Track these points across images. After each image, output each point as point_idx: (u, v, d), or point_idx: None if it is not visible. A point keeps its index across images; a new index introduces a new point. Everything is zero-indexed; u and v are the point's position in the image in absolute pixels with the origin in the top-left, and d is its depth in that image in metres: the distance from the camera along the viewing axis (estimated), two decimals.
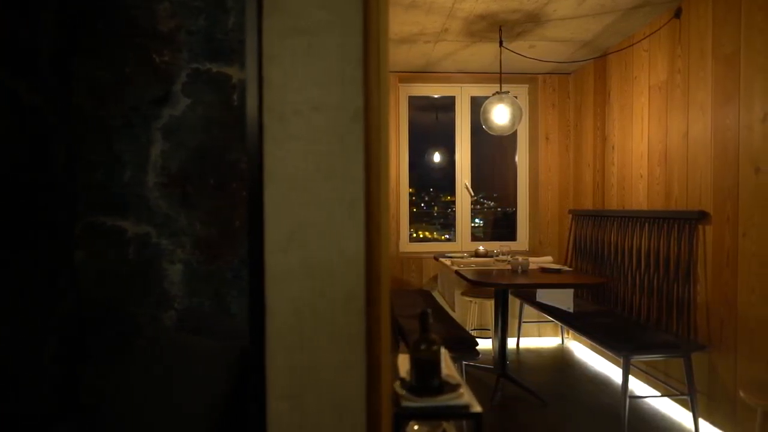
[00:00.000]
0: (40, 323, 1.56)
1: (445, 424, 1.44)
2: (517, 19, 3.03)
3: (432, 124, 4.94)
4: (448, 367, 1.46)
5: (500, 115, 3.15)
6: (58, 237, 1.65)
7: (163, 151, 1.73)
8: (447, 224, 5.30)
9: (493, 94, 3.19)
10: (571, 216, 4.11)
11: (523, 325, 4.18)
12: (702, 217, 2.59)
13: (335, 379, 1.09)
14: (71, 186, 1.72)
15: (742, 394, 1.86)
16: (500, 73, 3.37)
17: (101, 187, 1.73)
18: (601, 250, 3.54)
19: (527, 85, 4.35)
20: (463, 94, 4.34)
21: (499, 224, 4.87)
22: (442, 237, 5.36)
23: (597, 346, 3.21)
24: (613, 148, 3.56)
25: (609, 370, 3.53)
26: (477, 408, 1.19)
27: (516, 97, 4.32)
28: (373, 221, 1.10)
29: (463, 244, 4.41)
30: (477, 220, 5.32)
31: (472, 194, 4.39)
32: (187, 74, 1.72)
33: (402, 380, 1.26)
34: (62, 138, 1.69)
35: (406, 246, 4.34)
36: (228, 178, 1.75)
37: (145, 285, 1.73)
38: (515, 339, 4.17)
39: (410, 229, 5.28)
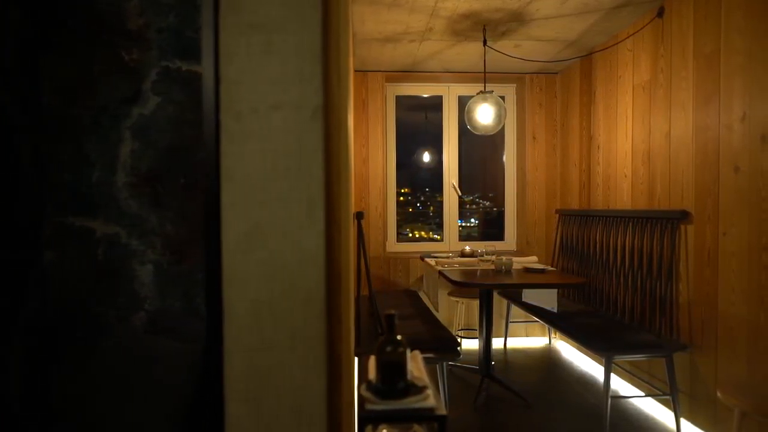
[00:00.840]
0: (6, 326, 1.53)
1: (416, 427, 1.42)
2: (500, 18, 3.02)
3: (424, 124, 4.93)
4: (418, 369, 1.45)
5: (484, 114, 3.14)
6: (25, 238, 1.63)
7: (132, 151, 1.70)
8: (443, 224, 5.28)
9: (477, 94, 3.18)
10: (557, 216, 4.11)
11: (510, 325, 4.17)
12: (684, 216, 2.58)
13: (295, 381, 1.07)
14: (39, 186, 1.69)
15: (719, 394, 1.86)
16: (484, 72, 3.36)
17: (70, 187, 1.70)
18: (587, 250, 3.54)
19: (514, 85, 4.34)
20: (450, 94, 4.33)
21: (493, 224, 4.86)
22: (438, 237, 5.35)
23: (580, 346, 3.21)
24: (598, 147, 3.56)
25: (595, 370, 3.53)
26: (442, 411, 1.17)
27: (503, 96, 4.33)
28: (333, 221, 1.09)
29: (450, 244, 4.40)
30: (473, 220, 5.32)
31: (460, 194, 4.38)
32: (157, 72, 1.69)
33: (368, 383, 1.24)
34: (30, 137, 1.66)
35: (394, 246, 4.33)
36: (199, 177, 1.72)
37: (115, 286, 1.70)
38: (502, 339, 4.16)
39: (406, 228, 5.26)
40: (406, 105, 4.84)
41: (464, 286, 2.66)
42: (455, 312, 4.01)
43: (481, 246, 3.53)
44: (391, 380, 1.21)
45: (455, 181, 4.37)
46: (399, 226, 5.13)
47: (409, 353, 1.25)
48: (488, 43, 3.43)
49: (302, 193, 1.05)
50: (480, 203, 5.33)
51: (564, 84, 4.15)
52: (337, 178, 1.09)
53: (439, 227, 5.21)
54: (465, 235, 4.95)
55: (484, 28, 3.16)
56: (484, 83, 3.29)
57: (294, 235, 1.05)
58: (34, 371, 1.65)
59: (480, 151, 5.36)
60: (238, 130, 1.06)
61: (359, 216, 2.50)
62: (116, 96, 1.75)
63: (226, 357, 1.07)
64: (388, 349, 1.22)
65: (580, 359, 3.74)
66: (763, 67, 2.08)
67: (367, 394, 1.21)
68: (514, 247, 4.39)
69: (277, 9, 1.05)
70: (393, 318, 1.24)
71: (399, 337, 1.26)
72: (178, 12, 1.74)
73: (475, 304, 3.94)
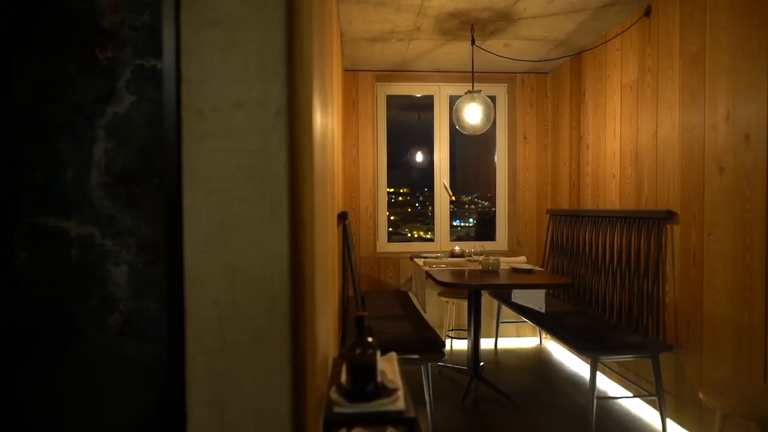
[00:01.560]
0: None
1: (390, 429, 1.41)
2: (488, 17, 3.00)
3: (418, 124, 4.91)
4: (393, 371, 1.43)
5: (472, 114, 3.12)
6: None
7: (106, 150, 1.68)
8: (434, 224, 5.27)
9: (466, 93, 3.16)
10: (548, 216, 4.10)
11: (501, 325, 4.16)
12: (670, 216, 2.57)
13: (258, 384, 1.05)
14: (12, 186, 1.67)
15: (701, 395, 1.84)
16: (472, 72, 3.34)
17: (44, 187, 1.68)
18: (576, 251, 3.52)
19: (506, 85, 4.32)
20: (441, 94, 4.31)
21: (489, 224, 4.84)
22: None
23: (566, 346, 3.19)
24: (587, 147, 3.55)
25: (585, 370, 3.51)
26: (411, 413, 1.16)
27: (494, 96, 4.31)
28: (299, 222, 1.07)
29: (442, 244, 4.38)
30: (471, 220, 5.31)
31: (451, 194, 4.36)
32: (132, 71, 1.67)
33: (338, 385, 1.22)
34: (2, 137, 1.64)
35: (385, 246, 4.31)
36: (175, 176, 1.70)
37: (89, 287, 1.69)
38: (493, 339, 4.15)
39: (405, 228, 5.24)
40: (400, 105, 4.82)
41: (449, 286, 2.64)
42: (445, 312, 3.99)
43: (470, 246, 3.51)
44: (361, 383, 1.19)
45: (446, 181, 4.35)
46: (398, 226, 5.12)
47: (379, 355, 1.24)
48: (477, 43, 3.42)
49: (266, 193, 1.03)
50: (479, 203, 5.32)
51: (555, 84, 4.14)
52: (302, 178, 1.07)
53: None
54: (464, 235, 4.95)
55: (472, 27, 3.14)
56: (472, 83, 3.27)
57: (257, 235, 1.04)
58: (4, 372, 1.63)
59: (476, 150, 5.34)
60: (201, 128, 1.04)
61: (343, 216, 2.48)
62: (90, 95, 1.74)
63: (188, 360, 1.06)
64: (358, 351, 1.20)
65: (571, 360, 3.73)
66: (747, 66, 2.07)
67: (335, 396, 1.19)
68: (505, 247, 4.38)
69: (239, 6, 1.03)
70: (363, 320, 1.23)
71: (370, 339, 1.24)
72: (153, 9, 1.72)
73: (466, 304, 3.93)
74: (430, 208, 5.65)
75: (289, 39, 1.05)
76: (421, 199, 5.56)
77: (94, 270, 1.72)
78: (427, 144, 4.56)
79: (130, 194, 1.72)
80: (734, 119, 2.15)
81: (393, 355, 1.55)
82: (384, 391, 1.23)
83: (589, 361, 2.50)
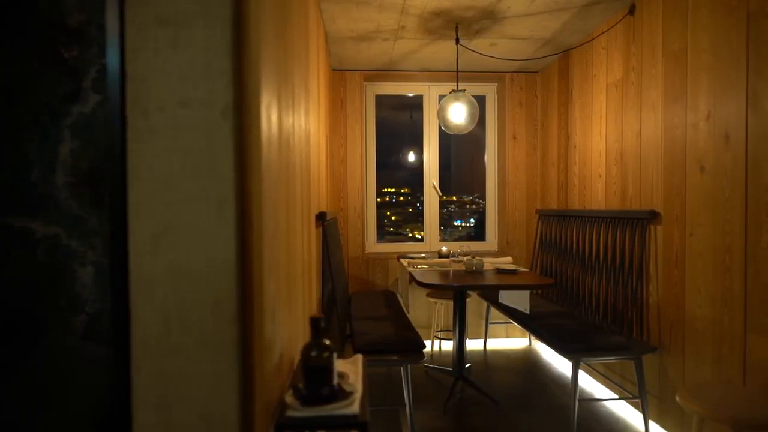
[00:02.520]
0: None
1: None
2: (472, 16, 2.98)
3: (413, 123, 4.88)
4: (355, 373, 1.41)
5: (457, 113, 3.10)
6: None
7: (72, 150, 1.66)
8: (443, 224, 5.24)
9: (450, 92, 3.14)
10: (537, 216, 4.07)
11: (490, 326, 4.13)
12: (653, 216, 2.55)
13: (205, 388, 1.03)
14: None
15: (678, 398, 1.82)
16: (457, 71, 3.32)
17: (9, 188, 1.66)
18: (564, 251, 3.50)
19: (495, 84, 4.30)
20: (430, 94, 4.29)
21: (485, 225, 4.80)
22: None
23: (549, 347, 3.16)
24: (575, 147, 3.52)
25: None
26: (365, 417, 1.14)
27: (484, 95, 4.29)
28: (248, 222, 1.05)
29: (431, 245, 4.36)
30: (472, 221, 5.28)
31: (440, 194, 4.34)
32: (97, 70, 1.66)
33: (295, 388, 1.20)
34: None
35: (374, 247, 4.29)
36: None
37: (55, 288, 1.67)
38: (482, 340, 4.12)
39: (406, 229, 5.20)
40: (393, 104, 4.80)
41: (428, 287, 2.62)
42: (434, 313, 3.97)
43: (458, 246, 3.49)
44: (315, 386, 1.17)
45: (435, 181, 4.33)
46: (398, 225, 5.09)
47: (336, 357, 1.22)
48: (463, 42, 3.40)
49: (212, 193, 1.02)
50: (480, 203, 5.29)
51: (544, 83, 4.11)
52: (251, 178, 1.06)
53: (447, 227, 5.15)
54: (464, 235, 4.91)
55: (457, 26, 3.12)
56: (457, 82, 3.25)
57: (204, 236, 1.02)
58: None
59: (474, 150, 5.32)
60: (146, 128, 1.02)
61: (322, 217, 2.46)
62: (56, 94, 1.72)
63: (133, 362, 1.04)
64: (313, 354, 1.18)
65: (559, 361, 3.70)
66: (727, 65, 2.05)
67: (290, 400, 1.18)
68: (495, 248, 4.35)
69: (185, 3, 1.01)
70: (318, 322, 1.21)
71: (327, 342, 1.22)
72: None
73: (452, 305, 3.91)
74: (444, 208, 5.61)
75: (237, 37, 1.03)
76: (422, 199, 5.52)
77: (60, 271, 1.70)
78: (422, 144, 4.53)
79: (95, 194, 1.70)
80: (715, 119, 2.13)
81: (359, 357, 1.53)
82: (341, 394, 1.21)
83: (571, 362, 2.48)
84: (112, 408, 1.23)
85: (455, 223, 5.11)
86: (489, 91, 4.33)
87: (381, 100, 4.44)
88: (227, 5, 1.02)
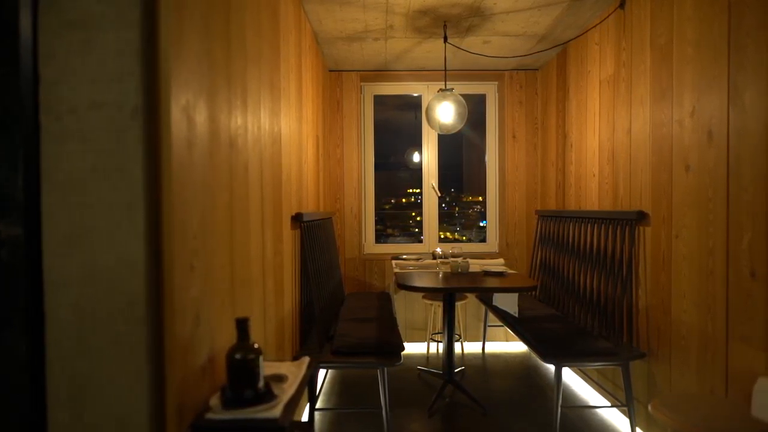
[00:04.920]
0: None
1: None
2: (459, 13, 2.93)
3: (417, 124, 4.84)
4: (296, 376, 1.40)
5: (445, 113, 3.05)
6: None
7: None
8: (468, 224, 5.19)
9: (438, 91, 3.09)
10: (537, 217, 3.98)
11: (490, 329, 4.06)
12: (641, 217, 2.45)
13: (117, 389, 1.03)
14: None
15: (650, 409, 1.73)
16: (445, 70, 3.27)
17: None
18: (560, 254, 3.40)
19: (495, 83, 4.22)
20: (429, 93, 4.24)
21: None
22: (463, 237, 5.25)
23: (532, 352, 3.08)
24: (571, 146, 3.42)
25: (570, 377, 3.40)
26: (286, 422, 1.12)
27: (485, 94, 4.22)
28: (162, 224, 1.05)
29: (430, 246, 4.31)
30: (483, 222, 5.20)
31: (438, 194, 4.29)
32: (8, 73, 1.69)
33: (223, 390, 1.20)
34: None
35: (372, 248, 4.27)
36: None
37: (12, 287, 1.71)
38: (480, 343, 4.05)
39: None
40: (397, 104, 4.78)
41: (408, 289, 2.58)
42: (429, 315, 3.93)
43: (449, 248, 3.44)
44: (239, 388, 1.17)
45: (434, 182, 4.28)
46: (419, 226, 5.04)
47: (261, 360, 1.21)
48: (456, 40, 3.35)
49: (122, 195, 1.02)
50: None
51: (543, 81, 4.02)
52: (164, 180, 1.05)
53: (464, 228, 5.10)
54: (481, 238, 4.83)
55: (445, 24, 3.07)
56: (445, 81, 3.20)
57: (115, 238, 1.02)
58: None
59: (479, 151, 5.26)
60: (58, 130, 1.03)
61: (299, 218, 2.46)
62: None
63: (48, 363, 1.05)
64: (237, 356, 1.17)
65: None
66: (709, 58, 1.95)
67: (215, 402, 1.17)
68: (496, 249, 4.28)
69: (96, 6, 1.02)
70: (244, 323, 1.20)
71: (255, 345, 1.21)
72: None
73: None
74: (457, 209, 5.56)
75: (147, 40, 1.03)
76: (447, 199, 5.48)
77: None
78: (439, 143, 4.47)
79: (7, 197, 1.73)
80: (698, 115, 2.03)
81: (305, 360, 1.51)
82: (268, 397, 1.20)
83: (553, 367, 2.40)
84: (28, 408, 1.25)
85: (481, 224, 4.94)
86: (489, 89, 4.26)
87: (384, 100, 4.42)
88: (136, 8, 1.02)
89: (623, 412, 2.67)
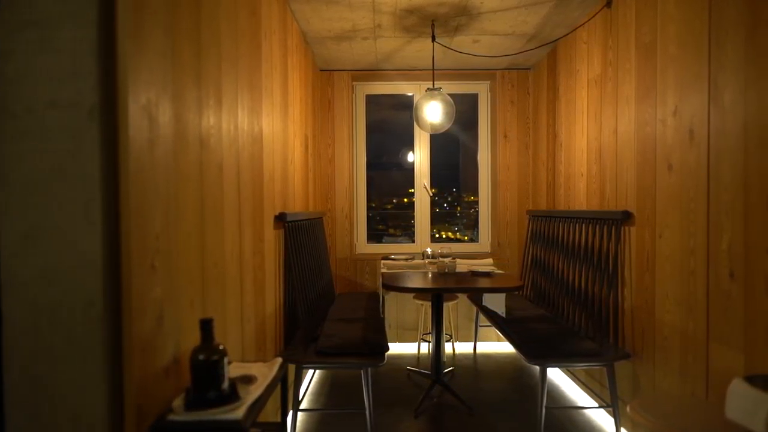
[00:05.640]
0: None
1: None
2: (446, 12, 2.92)
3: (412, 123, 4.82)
4: (265, 377, 1.39)
5: (432, 112, 3.04)
6: None
7: None
8: (470, 224, 5.17)
9: (426, 90, 3.08)
10: (528, 217, 3.96)
11: (482, 329, 4.05)
12: (627, 217, 2.43)
13: (74, 390, 1.03)
14: None
15: (628, 410, 1.72)
16: (433, 69, 3.26)
17: None
18: (549, 253, 3.39)
19: (488, 82, 4.21)
20: (421, 92, 4.23)
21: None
22: (465, 237, 5.24)
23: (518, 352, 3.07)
24: (561, 145, 3.41)
25: (561, 378, 3.38)
26: (246, 424, 1.11)
27: (477, 93, 4.21)
28: (118, 223, 1.04)
29: (422, 245, 4.30)
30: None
31: (431, 194, 4.28)
32: None
33: (188, 391, 1.19)
34: None
35: (364, 248, 4.26)
36: None
37: None
38: (472, 344, 4.04)
39: (433, 229, 5.17)
40: (392, 104, 4.76)
41: (390, 289, 2.57)
42: (420, 316, 3.92)
43: (438, 248, 3.42)
44: (202, 389, 1.16)
45: (426, 182, 4.27)
46: None
47: (226, 361, 1.20)
48: (445, 39, 3.34)
49: (80, 194, 1.01)
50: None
51: (535, 80, 4.00)
52: (120, 179, 1.05)
53: (466, 228, 5.08)
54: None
55: (433, 23, 3.06)
56: (433, 80, 3.19)
57: (72, 237, 1.02)
58: None
59: (474, 151, 5.24)
60: (15, 129, 1.03)
61: (282, 218, 2.45)
62: None
63: (5, 363, 1.04)
64: (201, 357, 1.17)
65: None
66: (692, 57, 1.93)
67: (178, 403, 1.16)
68: (488, 249, 4.26)
69: (53, 4, 1.01)
70: (208, 324, 1.19)
71: (220, 346, 1.21)
72: None
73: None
74: (459, 208, 5.54)
75: (105, 38, 1.02)
76: (449, 199, 5.48)
77: None
78: (440, 141, 4.46)
79: None
80: (680, 114, 2.01)
81: (277, 361, 1.51)
82: (232, 398, 1.19)
83: (539, 368, 2.39)
84: None
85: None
86: (481, 89, 4.24)
87: (380, 100, 4.41)
88: (94, 7, 1.01)
89: (609, 412, 2.66)
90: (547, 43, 3.43)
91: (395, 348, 4.06)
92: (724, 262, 1.74)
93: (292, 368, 2.53)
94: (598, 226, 2.69)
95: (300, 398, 2.73)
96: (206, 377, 1.16)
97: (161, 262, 1.18)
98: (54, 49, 1.02)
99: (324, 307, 3.33)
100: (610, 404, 2.42)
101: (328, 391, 3.16)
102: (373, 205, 4.76)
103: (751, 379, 1.41)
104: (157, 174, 1.16)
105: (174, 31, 1.27)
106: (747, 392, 1.36)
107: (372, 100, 4.33)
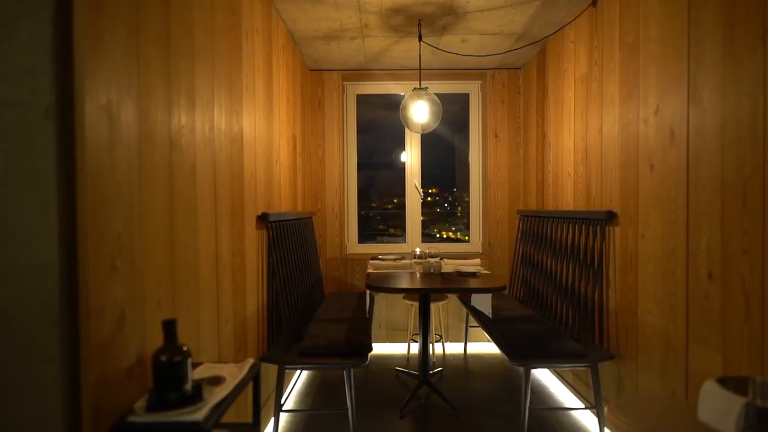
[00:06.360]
0: None
1: None
2: (432, 12, 2.91)
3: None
4: (235, 378, 1.38)
5: (419, 112, 3.03)
6: None
7: None
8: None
9: (413, 90, 3.07)
10: (519, 217, 3.95)
11: (472, 330, 4.03)
12: (611, 217, 2.42)
13: (31, 391, 1.02)
14: None
15: (606, 412, 1.71)
16: (420, 69, 3.25)
17: None
18: (537, 252, 3.38)
19: (479, 82, 4.19)
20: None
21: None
22: (465, 237, 5.22)
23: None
24: (549, 145, 3.40)
25: (549, 379, 3.37)
26: (207, 425, 1.10)
27: (468, 93, 4.20)
28: (75, 224, 1.03)
29: (413, 245, 4.28)
30: None
31: (422, 194, 4.27)
32: None
33: (151, 393, 1.18)
34: None
35: (355, 248, 4.25)
36: None
37: None
38: (462, 344, 4.03)
39: (434, 229, 5.15)
40: (384, 104, 4.75)
41: (375, 290, 2.56)
42: (410, 316, 3.91)
43: (426, 247, 3.42)
44: (164, 390, 1.15)
45: (417, 182, 4.26)
46: (426, 226, 5.01)
47: (189, 362, 1.19)
48: (433, 39, 3.33)
49: (36, 194, 1.00)
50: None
51: (525, 79, 3.99)
52: (77, 179, 1.04)
53: (466, 227, 5.07)
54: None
55: (419, 22, 3.05)
56: (420, 80, 3.18)
57: (28, 238, 1.01)
58: None
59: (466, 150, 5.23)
60: None
61: (265, 218, 2.44)
62: None
63: None
64: (163, 358, 1.16)
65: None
66: (672, 56, 1.92)
67: (140, 404, 1.16)
68: (479, 249, 4.25)
69: (9, 4, 1.01)
70: (171, 325, 1.18)
71: (184, 347, 1.20)
72: None
73: (431, 308, 3.83)
74: (459, 208, 5.54)
75: (62, 38, 1.01)
76: (450, 199, 5.46)
77: None
78: (436, 141, 4.46)
79: None
80: (661, 113, 2.00)
81: (248, 361, 1.50)
82: (195, 399, 1.18)
83: (523, 369, 2.38)
84: None
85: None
86: (472, 88, 4.23)
87: (372, 100, 4.39)
88: (50, 6, 1.00)
89: (595, 413, 2.64)
90: (535, 42, 3.41)
91: (385, 348, 4.06)
92: (702, 263, 1.73)
93: (274, 369, 2.52)
94: (584, 227, 2.68)
95: (284, 399, 2.73)
96: (168, 378, 1.15)
97: (123, 262, 1.17)
98: (9, 49, 1.01)
99: (312, 307, 3.32)
100: (595, 405, 2.41)
101: (316, 392, 3.15)
102: (374, 204, 4.76)
103: (724, 381, 1.40)
104: (118, 174, 1.15)
105: (140, 30, 1.26)
106: (718, 394, 1.35)
107: (365, 100, 4.32)
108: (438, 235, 4.98)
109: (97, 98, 1.07)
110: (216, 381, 1.35)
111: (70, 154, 1.02)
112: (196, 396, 1.19)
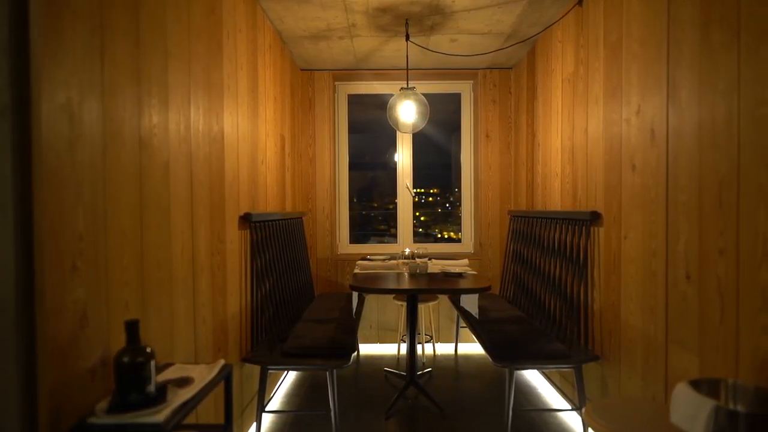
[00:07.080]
0: None
1: None
2: (419, 11, 2.90)
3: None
4: (203, 380, 1.37)
5: (407, 112, 3.02)
6: None
7: None
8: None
9: (400, 90, 3.06)
10: (509, 217, 3.94)
11: (462, 330, 4.02)
12: (595, 218, 2.41)
13: None
14: None
15: (583, 414, 1.70)
16: (407, 69, 3.24)
17: None
18: (527, 252, 3.36)
19: (471, 81, 4.18)
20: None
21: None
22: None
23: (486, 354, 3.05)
24: (538, 145, 3.38)
25: (538, 380, 3.36)
26: (167, 426, 1.10)
27: (460, 93, 4.19)
28: (32, 225, 1.03)
29: (405, 245, 4.27)
30: None
31: (413, 194, 4.26)
32: None
33: (114, 395, 1.17)
34: None
35: (346, 248, 4.25)
36: None
37: None
38: (452, 345, 4.02)
39: (435, 229, 5.14)
40: (378, 104, 4.73)
41: (358, 290, 2.55)
42: (400, 316, 3.90)
43: (415, 248, 3.40)
44: (125, 392, 1.14)
45: (409, 182, 4.25)
46: (427, 226, 5.00)
47: (153, 363, 1.18)
48: (421, 38, 3.32)
49: None
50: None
51: (516, 79, 3.98)
52: (34, 179, 1.03)
53: (459, 228, 5.05)
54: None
55: (407, 22, 3.04)
56: (407, 80, 3.17)
57: None
58: None
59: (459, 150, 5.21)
60: None
61: (248, 218, 2.43)
62: None
63: None
64: (125, 359, 1.15)
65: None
66: (652, 55, 1.91)
67: (101, 406, 1.15)
68: (471, 249, 4.24)
69: None
70: (133, 325, 1.17)
71: (148, 348, 1.19)
72: None
73: (422, 308, 3.82)
74: (460, 208, 5.52)
75: (18, 36, 1.00)
76: (451, 199, 5.44)
77: None
78: (434, 140, 4.45)
79: None
80: (643, 113, 1.99)
81: (219, 363, 1.49)
82: (158, 401, 1.17)
83: (507, 370, 2.37)
84: None
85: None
86: (464, 88, 4.22)
87: (365, 100, 4.38)
88: (5, 6, 1.00)
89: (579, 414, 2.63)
90: (524, 41, 3.40)
91: (376, 349, 4.05)
92: (681, 264, 1.71)
93: (257, 370, 2.51)
94: (570, 227, 2.66)
95: (270, 399, 2.72)
96: (130, 379, 1.15)
97: (86, 262, 1.16)
98: None
99: (300, 308, 3.31)
100: (579, 406, 2.39)
101: (304, 393, 3.14)
102: (375, 204, 4.76)
103: (697, 383, 1.38)
104: (78, 173, 1.14)
105: (104, 29, 1.25)
106: (689, 397, 1.34)
107: (359, 101, 4.32)
108: (440, 236, 4.97)
109: (56, 97, 1.07)
110: (183, 382, 1.34)
111: (27, 154, 1.01)
112: (159, 397, 1.18)
